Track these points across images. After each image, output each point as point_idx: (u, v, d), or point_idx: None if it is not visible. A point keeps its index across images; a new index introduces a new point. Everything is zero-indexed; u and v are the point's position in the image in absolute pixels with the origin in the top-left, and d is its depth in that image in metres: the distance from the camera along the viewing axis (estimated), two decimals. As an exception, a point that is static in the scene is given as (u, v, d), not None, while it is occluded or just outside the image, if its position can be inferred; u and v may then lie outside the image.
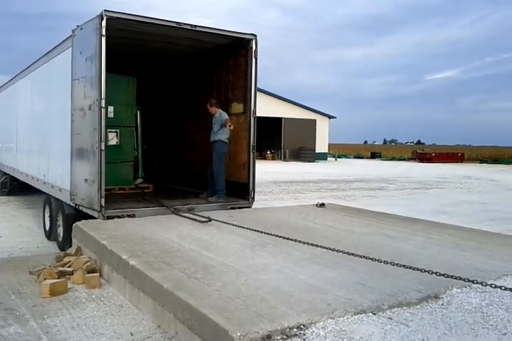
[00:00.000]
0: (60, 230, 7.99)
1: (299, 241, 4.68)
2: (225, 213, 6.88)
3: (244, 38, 7.59)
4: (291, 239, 4.68)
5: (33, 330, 3.65)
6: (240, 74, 8.07)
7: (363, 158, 53.71)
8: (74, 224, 6.12)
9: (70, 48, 7.22)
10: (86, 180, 6.70)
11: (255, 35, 7.61)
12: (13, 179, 12.95)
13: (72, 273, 4.97)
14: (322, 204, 7.62)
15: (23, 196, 13.65)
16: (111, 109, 7.85)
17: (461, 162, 44.34)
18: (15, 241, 8.32)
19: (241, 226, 5.22)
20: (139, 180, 8.93)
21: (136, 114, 8.93)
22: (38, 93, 9.78)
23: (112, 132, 7.99)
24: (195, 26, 7.09)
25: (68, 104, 7.23)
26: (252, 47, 7.63)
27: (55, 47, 8.10)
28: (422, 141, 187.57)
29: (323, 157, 41.89)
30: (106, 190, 6.74)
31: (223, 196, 7.66)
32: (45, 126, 9.07)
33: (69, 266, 5.21)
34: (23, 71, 10.97)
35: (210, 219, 5.87)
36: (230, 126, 7.48)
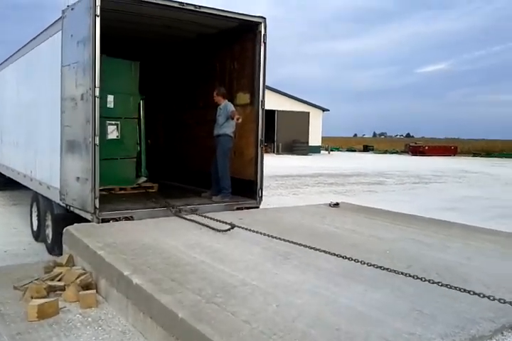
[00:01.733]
0: (49, 231, 7.32)
1: (327, 252, 4.03)
2: (232, 215, 6.22)
3: (252, 21, 6.89)
4: (319, 250, 4.04)
5: (17, 368, 2.99)
6: (246, 61, 7.37)
7: (355, 151, 53.25)
8: (64, 229, 5.43)
9: (60, 32, 6.46)
10: (78, 178, 5.99)
11: (264, 18, 6.91)
12: (-1, 174, 12.16)
13: (64, 289, 4.29)
14: (336, 204, 7.00)
15: (9, 191, 12.84)
16: (110, 98, 7.09)
17: (454, 155, 44.04)
18: (0, 242, 7.64)
19: (268, 235, 4.49)
20: (142, 179, 8.04)
21: (139, 104, 7.95)
22: (24, 82, 9.00)
23: (111, 124, 7.12)
24: (200, 7, 6.37)
25: (58, 93, 6.49)
26: (260, 32, 6.91)
27: (43, 31, 7.34)
28: (411, 134, 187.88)
29: (316, 150, 41.32)
30: (105, 190, 6.08)
31: (229, 195, 7.00)
32: (32, 118, 8.31)
33: (60, 279, 4.52)
34: (7, 59, 10.17)
35: (232, 226, 5.08)
36: (238, 118, 6.78)
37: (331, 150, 47.38)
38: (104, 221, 5.77)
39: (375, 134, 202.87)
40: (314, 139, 41.10)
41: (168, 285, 3.39)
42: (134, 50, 8.24)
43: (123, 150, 7.59)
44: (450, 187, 18.46)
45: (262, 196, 7.06)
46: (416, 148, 44.29)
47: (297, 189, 16.71)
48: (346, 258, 3.90)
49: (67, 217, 6.71)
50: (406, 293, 3.26)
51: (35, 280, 4.53)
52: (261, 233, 4.53)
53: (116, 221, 5.84)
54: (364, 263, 3.77)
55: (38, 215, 7.97)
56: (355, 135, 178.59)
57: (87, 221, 5.96)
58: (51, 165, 7.14)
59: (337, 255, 3.98)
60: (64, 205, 6.48)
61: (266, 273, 3.70)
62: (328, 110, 43.44)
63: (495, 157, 42.04)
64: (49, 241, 7.28)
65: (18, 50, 9.12)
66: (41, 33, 7.51)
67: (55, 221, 7.00)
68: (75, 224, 5.48)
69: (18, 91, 9.33)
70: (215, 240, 4.77)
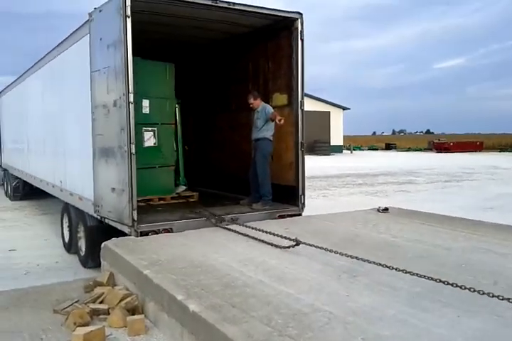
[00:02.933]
0: (82, 243, 7.05)
1: (400, 270, 3.59)
2: (276, 224, 5.82)
3: (288, 18, 6.48)
4: (388, 267, 3.60)
5: None
6: (282, 60, 6.96)
7: (377, 149, 52.42)
8: (103, 244, 5.10)
9: (88, 35, 6.16)
10: (113, 189, 5.66)
11: (301, 14, 6.50)
12: (26, 183, 11.98)
13: (108, 312, 3.95)
14: (386, 209, 6.55)
15: (37, 200, 12.69)
16: (146, 103, 6.73)
17: (480, 151, 42.95)
18: (31, 255, 7.41)
19: (326, 249, 4.01)
20: (182, 188, 7.63)
21: (175, 108, 7.57)
22: (49, 90, 8.76)
23: (148, 131, 6.75)
24: (234, 4, 5.99)
25: (87, 100, 6.19)
26: (297, 28, 6.51)
27: (69, 36, 7.05)
28: (431, 130, 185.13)
29: (338, 150, 40.69)
30: (143, 200, 5.73)
31: (270, 202, 6.60)
32: (59, 127, 8.05)
33: (102, 301, 4.19)
34: (31, 68, 9.95)
35: (297, 242, 4.45)
36: (280, 120, 6.31)
37: (353, 150, 46.68)
38: (142, 234, 5.44)
39: (394, 132, 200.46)
40: (336, 139, 40.47)
41: (230, 312, 3.00)
42: (164, 53, 7.86)
43: (161, 158, 7.19)
44: (483, 185, 17.84)
45: (304, 202, 6.65)
46: (440, 144, 43.30)
47: (326, 191, 16.25)
48: (422, 276, 3.46)
49: (101, 228, 6.44)
50: (508, 319, 2.81)
51: (76, 302, 4.20)
52: (320, 247, 4.08)
53: (156, 233, 5.50)
54: (446, 283, 3.32)
55: (70, 226, 7.71)
56: (374, 133, 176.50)
57: (123, 233, 5.64)
58: (82, 176, 6.85)
59: (411, 273, 3.53)
60: (98, 217, 6.18)
61: (336, 296, 3.29)
62: (349, 109, 42.80)
63: (523, 152, 40.91)
64: (82, 254, 7.01)
65: (42, 58, 8.88)
66: (66, 38, 7.22)
67: (89, 233, 6.73)
68: (114, 239, 5.14)
69: (44, 99, 9.10)
70: (267, 255, 4.38)
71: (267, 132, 6.68)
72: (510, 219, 8.16)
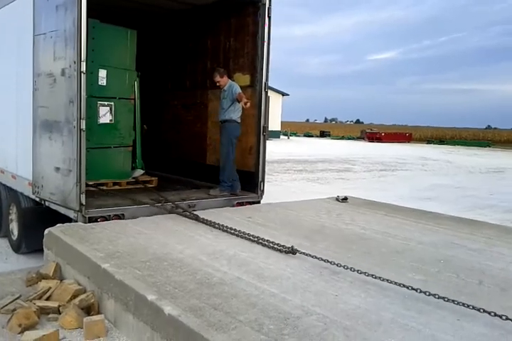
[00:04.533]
0: (14, 226, 6.38)
1: (387, 280, 3.37)
2: (238, 212, 5.49)
3: (255, -8, 6.06)
4: (389, 281, 3.32)
5: None
6: (245, 38, 6.53)
7: (312, 136, 53.23)
8: (46, 231, 4.52)
9: (32, -8, 5.40)
10: (58, 168, 5.04)
11: (270, -11, 6.10)
12: None
13: (58, 311, 3.45)
14: (345, 199, 6.40)
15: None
16: (103, 73, 5.95)
17: (409, 142, 44.79)
18: (-48, 239, 6.62)
19: (339, 264, 3.51)
20: (139, 172, 6.87)
21: (135, 81, 6.70)
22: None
23: (104, 106, 5.96)
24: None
25: (27, 67, 5.46)
26: (264, 4, 6.10)
27: (7, -9, 6.18)
28: (360, 120, 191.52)
29: (276, 135, 40.77)
30: (95, 185, 5.12)
31: (228, 189, 6.22)
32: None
33: (49, 297, 3.67)
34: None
35: (293, 250, 3.87)
36: (245, 103, 5.88)
37: (290, 136, 47.05)
38: (90, 220, 4.90)
39: (326, 120, 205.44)
40: (274, 124, 40.45)
41: (213, 316, 2.64)
42: (119, 21, 7.05)
43: (117, 138, 6.42)
44: (417, 175, 18.52)
45: (263, 190, 6.35)
46: (372, 134, 44.66)
47: (268, 176, 16.08)
48: (408, 287, 3.27)
49: (38, 211, 5.83)
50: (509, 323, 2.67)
51: (18, 298, 3.65)
52: (319, 258, 3.64)
53: (106, 219, 4.98)
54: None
55: (0, 207, 6.94)
56: (308, 120, 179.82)
57: (65, 218, 5.07)
58: (18, 152, 6.13)
59: (395, 283, 3.34)
60: (37, 199, 5.54)
61: (324, 296, 3.02)
62: (288, 95, 42.90)
63: (447, 144, 43.06)
64: (14, 238, 6.36)
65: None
66: (1, -4, 6.34)
67: (22, 215, 6.08)
68: (59, 225, 4.58)
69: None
70: (236, 247, 4.04)
71: (234, 113, 6.19)
72: (451, 210, 8.41)
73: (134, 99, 6.59)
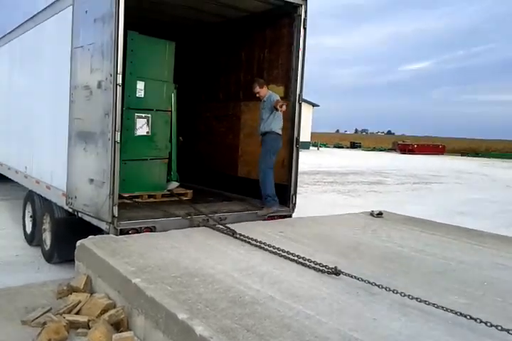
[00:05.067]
0: (47, 236, 6.43)
1: (432, 304, 3.20)
2: (268, 226, 5.38)
3: (291, 3, 6.00)
4: (425, 302, 3.14)
5: None
6: (280, 49, 6.47)
7: (342, 147, 52.81)
8: (78, 243, 4.51)
9: (70, 7, 5.49)
10: (91, 180, 5.06)
11: (306, 0, 6.03)
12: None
13: (88, 326, 3.41)
14: (380, 214, 6.21)
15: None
16: (141, 85, 5.91)
17: (442, 154, 43.90)
18: (-13, 247, 6.72)
19: (384, 287, 3.31)
20: (174, 184, 6.71)
21: (172, 93, 6.59)
22: (18, 66, 7.96)
23: (141, 118, 5.89)
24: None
25: (64, 79, 5.53)
26: (300, 15, 6.04)
27: (47, 7, 6.31)
28: (392, 131, 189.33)
29: (306, 146, 40.60)
30: (131, 197, 5.09)
31: (275, 204, 5.88)
32: (27, 107, 7.30)
33: (79, 311, 3.63)
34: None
35: (337, 272, 3.63)
36: (281, 106, 5.58)
37: (320, 147, 46.79)
38: (122, 232, 4.88)
39: (356, 130, 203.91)
40: (304, 135, 40.26)
41: (246, 339, 2.52)
42: (154, 34, 7.14)
43: (153, 150, 6.34)
44: (452, 189, 18.04)
45: (295, 203, 6.23)
46: (405, 146, 43.97)
47: (298, 188, 15.98)
48: (451, 310, 3.09)
49: (71, 221, 5.85)
50: None
51: (48, 311, 3.63)
52: (364, 280, 3.50)
53: (137, 232, 4.95)
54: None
55: (33, 217, 7.06)
56: (338, 131, 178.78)
57: (96, 229, 5.07)
58: (53, 163, 6.21)
59: (442, 307, 3.16)
60: (70, 210, 5.57)
61: (361, 319, 2.87)
62: (318, 106, 42.76)
63: (482, 157, 42.00)
64: (47, 248, 6.41)
65: (12, 31, 8.04)
66: (44, 9, 6.48)
67: (56, 225, 6.13)
68: (91, 237, 4.56)
69: (11, 76, 8.29)
70: (269, 263, 3.93)
71: (275, 124, 5.89)
72: (488, 226, 8.09)
73: (171, 111, 6.53)
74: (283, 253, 4.08)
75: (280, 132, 5.98)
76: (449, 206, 13.22)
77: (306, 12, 6.05)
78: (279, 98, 5.90)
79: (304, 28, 6.06)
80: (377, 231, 5.34)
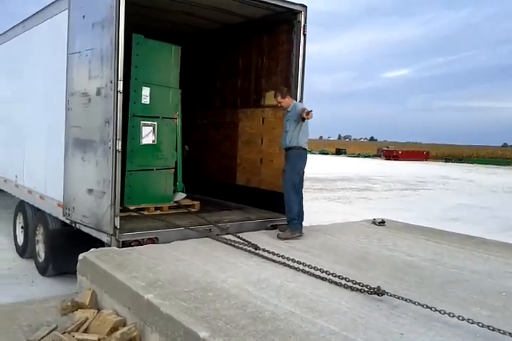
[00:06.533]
0: (40, 248, 6.26)
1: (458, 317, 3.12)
2: (273, 235, 5.27)
3: (291, 10, 5.93)
4: (449, 314, 3.03)
5: None
6: (279, 56, 6.39)
7: (327, 154, 52.98)
8: (81, 256, 4.33)
9: (66, 11, 5.34)
10: (90, 190, 4.90)
11: (305, 7, 5.97)
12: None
13: (98, 344, 3.24)
14: (382, 222, 6.15)
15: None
16: (146, 91, 5.64)
17: (426, 160, 44.34)
18: (-23, 259, 6.51)
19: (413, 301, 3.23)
20: (181, 195, 6.36)
21: (177, 100, 6.30)
22: (7, 72, 7.76)
23: (147, 126, 5.60)
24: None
25: (59, 86, 5.38)
26: (300, 22, 5.97)
27: (41, 10, 6.15)
28: (374, 138, 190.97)
29: (291, 152, 40.62)
30: (137, 210, 4.90)
31: (299, 227, 5.35)
32: (18, 114, 7.11)
33: (86, 328, 3.47)
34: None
35: (381, 293, 3.39)
36: (307, 113, 5.07)
37: (305, 153, 46.87)
38: (124, 244, 4.71)
39: (340, 137, 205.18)
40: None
41: (275, 358, 2.41)
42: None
43: (160, 159, 6.03)
44: (440, 195, 18.17)
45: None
46: (389, 152, 44.30)
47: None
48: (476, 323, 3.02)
49: (66, 232, 5.66)
50: None
51: (54, 329, 3.46)
52: (412, 302, 3.20)
53: (140, 243, 4.78)
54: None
55: (25, 228, 6.85)
56: (321, 137, 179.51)
57: (94, 240, 4.89)
58: (47, 172, 6.02)
59: (468, 320, 3.08)
60: (67, 221, 5.38)
61: (389, 334, 2.77)
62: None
63: (465, 162, 42.51)
64: (40, 260, 6.23)
65: (4, 33, 7.83)
66: (37, 13, 6.32)
67: (50, 237, 5.95)
68: (94, 250, 4.39)
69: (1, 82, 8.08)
70: (280, 275, 3.81)
71: (301, 138, 5.37)
72: (480, 232, 8.08)
73: (177, 118, 6.29)
74: (297, 266, 3.97)
75: (306, 147, 5.52)
76: (440, 212, 13.29)
77: (306, 18, 5.99)
78: (304, 106, 5.46)
79: (304, 35, 6.00)
80: (382, 239, 5.27)
